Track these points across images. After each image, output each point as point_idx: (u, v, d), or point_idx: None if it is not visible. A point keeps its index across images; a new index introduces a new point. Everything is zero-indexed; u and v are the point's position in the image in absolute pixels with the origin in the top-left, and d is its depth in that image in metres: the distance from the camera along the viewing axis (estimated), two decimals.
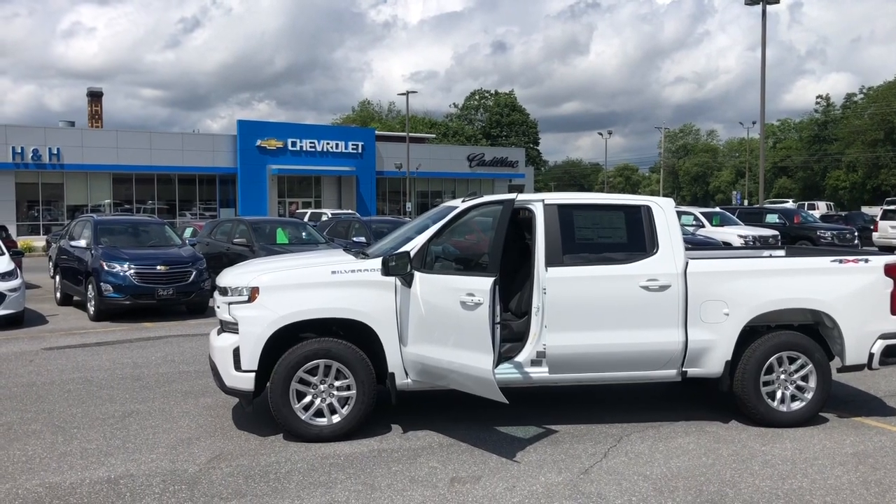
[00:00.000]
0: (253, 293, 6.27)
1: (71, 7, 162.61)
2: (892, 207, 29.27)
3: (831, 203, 61.03)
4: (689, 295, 6.56)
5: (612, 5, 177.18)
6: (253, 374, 6.20)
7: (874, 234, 27.59)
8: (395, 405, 6.62)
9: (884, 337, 6.81)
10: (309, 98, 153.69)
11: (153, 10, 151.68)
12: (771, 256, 7.72)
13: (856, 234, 26.39)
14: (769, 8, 33.04)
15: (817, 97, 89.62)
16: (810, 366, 6.73)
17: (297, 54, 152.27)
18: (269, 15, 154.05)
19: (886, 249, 23.41)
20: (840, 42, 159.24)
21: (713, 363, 6.65)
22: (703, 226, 23.77)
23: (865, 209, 49.83)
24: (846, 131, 79.99)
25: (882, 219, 27.78)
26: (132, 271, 12.94)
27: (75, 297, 14.71)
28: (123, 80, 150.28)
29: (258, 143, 47.87)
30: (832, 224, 28.82)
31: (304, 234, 17.03)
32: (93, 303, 13.13)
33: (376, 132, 57.06)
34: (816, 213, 36.58)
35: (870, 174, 76.89)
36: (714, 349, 6.62)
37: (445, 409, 7.19)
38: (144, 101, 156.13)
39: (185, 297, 13.36)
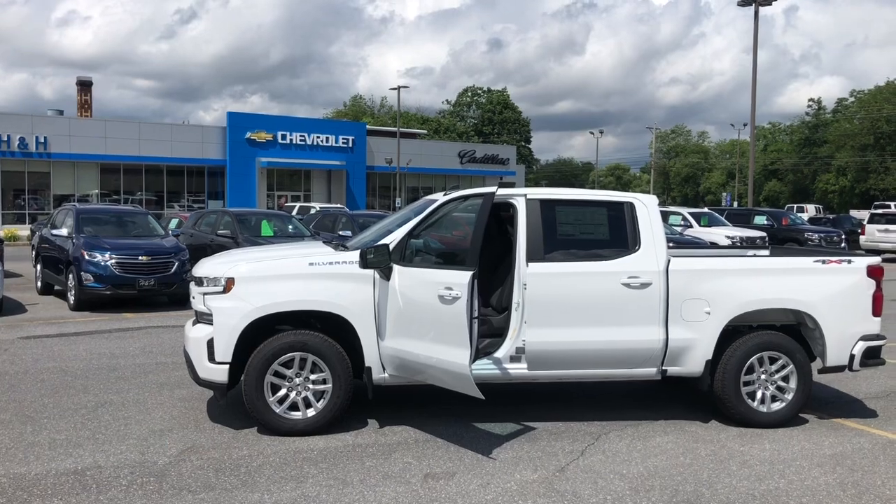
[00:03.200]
0: (228, 284, 6.16)
1: None
2: (879, 211, 29.35)
3: (820, 206, 61.24)
4: (671, 293, 6.50)
5: (609, 6, 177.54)
6: (227, 366, 6.10)
7: (861, 237, 27.65)
8: (372, 400, 6.53)
9: (865, 339, 6.78)
10: (303, 92, 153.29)
11: (149, 1, 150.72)
12: (755, 256, 7.68)
13: (843, 236, 26.47)
14: (765, 11, 33.13)
15: (809, 100, 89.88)
16: (791, 366, 6.68)
17: (293, 48, 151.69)
18: (266, 8, 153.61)
19: (873, 253, 23.46)
20: (834, 46, 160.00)
21: (693, 362, 6.60)
22: (691, 226, 23.80)
23: (854, 213, 50.03)
24: (836, 135, 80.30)
25: (869, 222, 27.84)
26: (113, 261, 12.79)
27: (56, 287, 14.55)
28: (117, 69, 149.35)
29: (248, 135, 47.63)
30: (820, 226, 28.88)
31: (289, 227, 16.92)
32: (73, 292, 12.98)
33: (367, 127, 56.88)
34: (805, 216, 36.67)
35: (859, 178, 77.24)
36: (695, 348, 6.56)
37: (423, 404, 7.11)
38: (137, 92, 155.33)
39: (166, 287, 13.23)
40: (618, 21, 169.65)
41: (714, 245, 19.92)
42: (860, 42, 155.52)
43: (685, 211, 25.58)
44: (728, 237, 22.35)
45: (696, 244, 18.43)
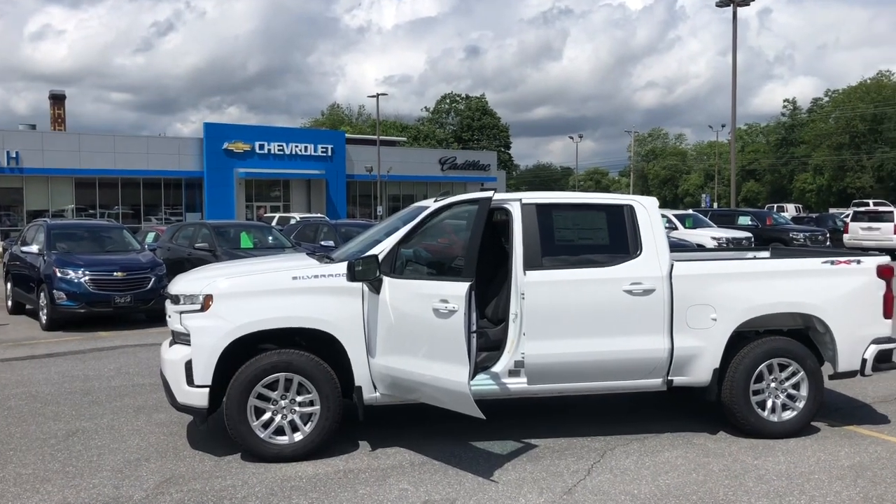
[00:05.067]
0: (206, 301, 5.76)
1: (40, 9, 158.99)
2: (862, 209, 29.35)
3: (800, 206, 61.50)
4: (675, 299, 6.18)
5: (585, 11, 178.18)
6: (207, 390, 5.69)
7: (845, 235, 27.61)
8: (363, 421, 6.13)
9: (877, 342, 6.49)
10: (281, 102, 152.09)
11: (125, 14, 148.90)
12: (755, 258, 7.39)
13: (827, 235, 26.39)
14: (739, 13, 33.08)
15: (784, 101, 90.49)
16: (802, 373, 6.38)
17: (270, 58, 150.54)
18: (243, 19, 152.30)
19: (857, 250, 23.39)
20: (807, 47, 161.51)
21: (700, 371, 6.28)
22: (675, 228, 23.57)
23: (833, 211, 50.22)
24: (812, 135, 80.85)
25: (853, 220, 27.82)
26: (87, 278, 12.31)
27: (28, 306, 14.01)
28: (93, 83, 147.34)
29: (225, 146, 47.00)
30: (804, 226, 28.83)
31: (269, 238, 16.49)
32: (45, 311, 12.47)
33: (346, 135, 56.41)
34: (787, 216, 36.68)
35: (836, 177, 77.76)
36: (701, 356, 6.24)
37: (417, 423, 6.73)
38: (114, 105, 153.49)
39: (143, 304, 12.76)
40: (594, 26, 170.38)
41: (701, 247, 19.70)
42: (832, 43, 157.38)
43: (670, 213, 25.37)
44: (714, 238, 22.13)
45: (683, 247, 18.17)
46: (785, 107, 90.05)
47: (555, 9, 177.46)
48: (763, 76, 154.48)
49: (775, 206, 56.06)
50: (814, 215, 34.49)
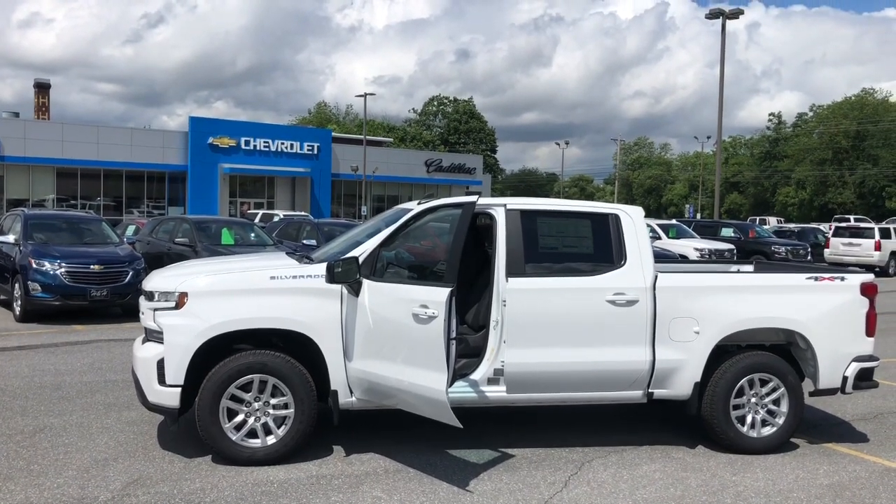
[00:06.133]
0: (181, 299, 5.63)
1: None
2: (843, 225, 29.57)
3: (782, 219, 61.95)
4: (658, 311, 6.11)
5: (576, 19, 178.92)
6: (179, 390, 5.56)
7: (826, 250, 27.80)
8: (338, 426, 6.02)
9: (859, 360, 6.46)
10: (269, 98, 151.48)
11: (115, 4, 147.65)
12: (739, 272, 7.35)
13: (809, 249, 26.54)
14: (727, 27, 33.19)
15: (770, 114, 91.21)
16: (782, 389, 6.33)
17: (260, 55, 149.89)
18: (234, 14, 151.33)
19: (837, 265, 23.50)
20: (794, 62, 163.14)
21: (681, 385, 6.21)
22: (659, 237, 23.58)
23: (814, 226, 50.52)
24: (796, 149, 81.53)
25: (834, 235, 28.03)
26: (63, 270, 12.10)
27: (2, 296, 13.76)
28: (80, 73, 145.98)
29: (210, 140, 46.67)
30: (786, 239, 28.97)
31: (251, 235, 16.31)
32: (19, 302, 12.26)
33: (333, 134, 56.18)
34: (768, 228, 36.88)
35: (817, 192, 78.47)
36: (683, 370, 6.18)
37: (393, 430, 6.62)
38: (101, 96, 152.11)
39: (120, 298, 12.55)
40: (584, 34, 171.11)
41: (683, 258, 19.71)
42: (819, 59, 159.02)
43: (654, 222, 25.35)
44: (697, 249, 22.15)
45: (666, 257, 18.17)
46: (770, 120, 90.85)
47: (546, 15, 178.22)
48: (750, 89, 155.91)
49: (758, 218, 56.35)
50: (796, 229, 34.65)
